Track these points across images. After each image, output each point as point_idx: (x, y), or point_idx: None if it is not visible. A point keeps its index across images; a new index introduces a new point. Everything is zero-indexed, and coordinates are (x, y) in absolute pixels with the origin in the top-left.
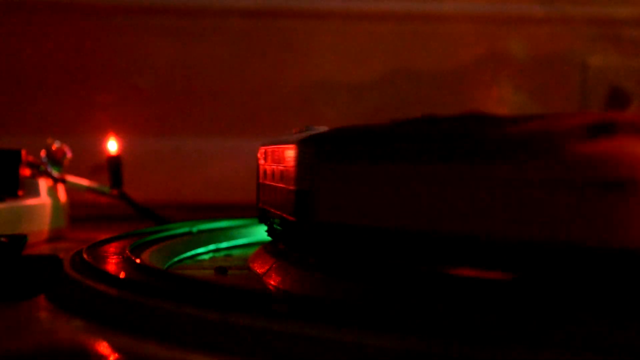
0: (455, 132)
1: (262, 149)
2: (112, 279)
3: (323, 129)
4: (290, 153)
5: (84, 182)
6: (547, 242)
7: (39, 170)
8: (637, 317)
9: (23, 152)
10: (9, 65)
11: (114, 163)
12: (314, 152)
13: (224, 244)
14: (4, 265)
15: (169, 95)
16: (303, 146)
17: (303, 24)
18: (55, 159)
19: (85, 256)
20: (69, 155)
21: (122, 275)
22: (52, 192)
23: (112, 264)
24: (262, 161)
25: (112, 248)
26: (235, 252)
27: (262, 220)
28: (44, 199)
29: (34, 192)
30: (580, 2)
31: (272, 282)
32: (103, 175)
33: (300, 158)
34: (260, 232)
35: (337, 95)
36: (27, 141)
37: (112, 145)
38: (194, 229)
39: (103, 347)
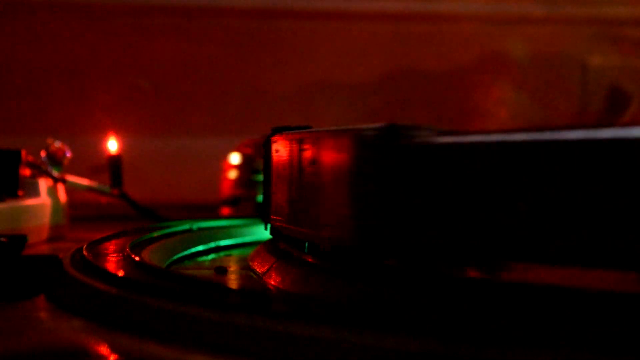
0: None
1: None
2: (112, 278)
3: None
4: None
5: (84, 182)
6: None
7: (39, 170)
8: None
9: (23, 152)
10: (9, 65)
11: (114, 163)
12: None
13: (224, 243)
14: (4, 265)
15: (169, 95)
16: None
17: (303, 24)
18: (55, 159)
19: (85, 253)
20: (69, 155)
21: (121, 274)
22: (52, 192)
23: (112, 263)
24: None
25: (112, 246)
26: (236, 252)
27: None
28: (44, 199)
29: (34, 192)
30: (580, 2)
31: (272, 282)
32: (103, 175)
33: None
34: (260, 231)
35: (337, 95)
36: (27, 141)
37: (112, 145)
38: (194, 227)
39: (103, 347)
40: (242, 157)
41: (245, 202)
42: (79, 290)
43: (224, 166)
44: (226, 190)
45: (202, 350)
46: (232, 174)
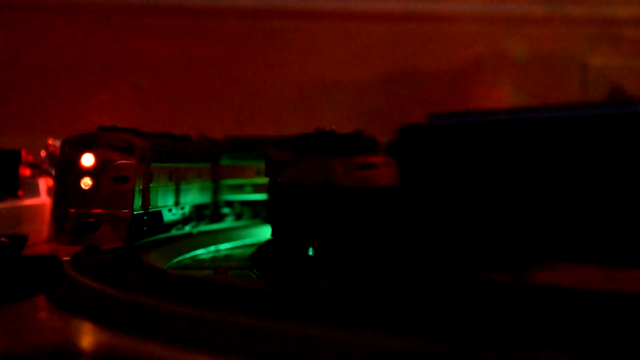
0: None
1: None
2: (112, 279)
3: None
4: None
5: None
6: None
7: (39, 170)
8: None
9: (23, 152)
10: (10, 65)
11: None
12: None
13: (224, 245)
14: (4, 265)
15: (168, 95)
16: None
17: (303, 24)
18: (55, 159)
19: (85, 256)
20: None
21: (122, 275)
22: (52, 192)
23: (112, 264)
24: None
25: (112, 248)
26: (236, 252)
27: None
28: (44, 199)
29: (34, 192)
30: (580, 2)
31: (272, 282)
32: None
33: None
34: (260, 233)
35: (337, 95)
36: (27, 141)
37: None
38: (194, 230)
39: (103, 347)
40: (95, 159)
41: (103, 225)
42: (79, 292)
43: (58, 172)
44: (70, 207)
45: (202, 350)
46: (86, 183)
